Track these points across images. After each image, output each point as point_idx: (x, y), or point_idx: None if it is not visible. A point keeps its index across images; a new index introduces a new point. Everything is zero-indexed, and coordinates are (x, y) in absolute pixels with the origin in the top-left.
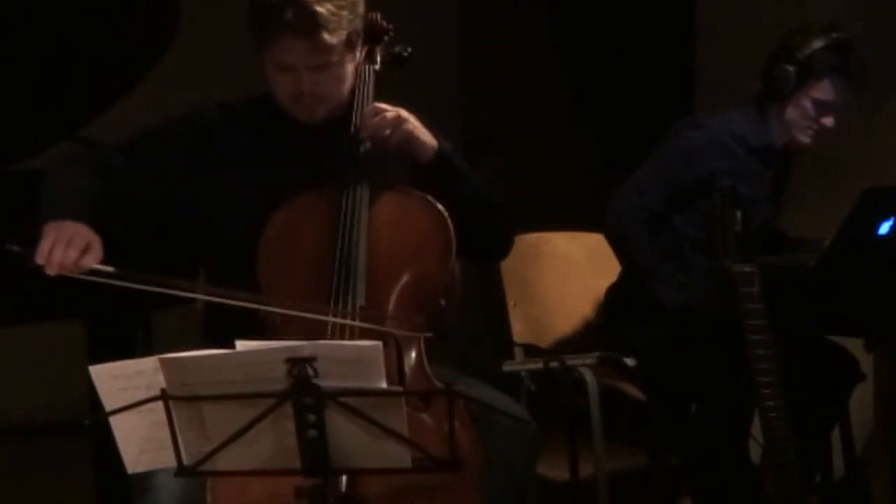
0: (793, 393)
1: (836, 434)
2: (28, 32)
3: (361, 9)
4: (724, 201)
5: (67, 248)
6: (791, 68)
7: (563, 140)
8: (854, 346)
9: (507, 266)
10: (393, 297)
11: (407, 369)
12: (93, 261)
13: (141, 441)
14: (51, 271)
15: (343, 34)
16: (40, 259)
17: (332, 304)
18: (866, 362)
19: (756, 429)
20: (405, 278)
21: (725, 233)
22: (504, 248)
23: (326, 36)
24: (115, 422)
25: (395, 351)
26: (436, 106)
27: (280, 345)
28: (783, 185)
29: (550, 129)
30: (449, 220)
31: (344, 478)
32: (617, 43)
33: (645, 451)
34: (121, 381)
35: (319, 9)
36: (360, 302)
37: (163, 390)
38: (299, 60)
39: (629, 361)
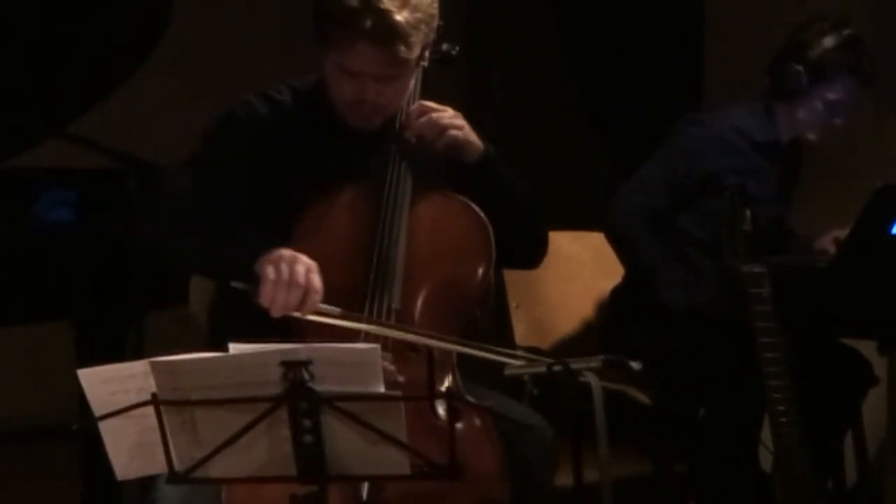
0: (804, 397)
1: (848, 439)
2: (16, 26)
3: (436, 23)
4: (733, 200)
5: (290, 288)
6: (802, 69)
7: (567, 139)
8: (867, 348)
9: None
10: (429, 303)
11: (443, 383)
12: (317, 298)
13: (131, 447)
14: (276, 314)
15: (418, 49)
16: (264, 302)
17: (366, 306)
18: (879, 365)
19: (766, 434)
20: (442, 284)
21: (734, 232)
22: (540, 256)
23: (403, 49)
24: (105, 427)
25: (427, 361)
26: None
27: (275, 348)
28: (792, 183)
29: (554, 128)
30: (490, 228)
31: (366, 484)
32: (623, 40)
33: (651, 456)
34: (111, 384)
35: (399, 19)
36: (396, 305)
37: (153, 394)
38: (369, 69)
39: (634, 365)
